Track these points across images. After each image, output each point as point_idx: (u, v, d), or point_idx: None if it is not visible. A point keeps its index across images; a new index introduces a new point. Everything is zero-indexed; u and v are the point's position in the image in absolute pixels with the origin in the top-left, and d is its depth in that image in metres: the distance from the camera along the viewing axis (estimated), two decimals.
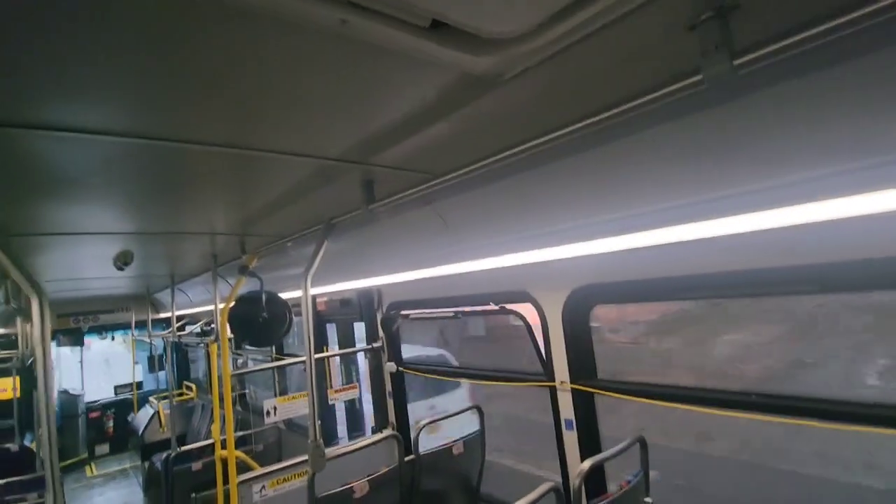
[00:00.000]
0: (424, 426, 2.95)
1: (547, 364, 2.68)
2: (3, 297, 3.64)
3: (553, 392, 2.65)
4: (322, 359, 4.71)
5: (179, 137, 1.39)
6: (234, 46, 0.90)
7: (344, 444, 3.68)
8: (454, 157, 1.61)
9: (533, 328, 2.80)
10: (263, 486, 2.98)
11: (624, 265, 2.26)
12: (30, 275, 2.11)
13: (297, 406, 3.36)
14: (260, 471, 3.04)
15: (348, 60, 0.98)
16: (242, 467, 3.49)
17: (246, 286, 3.43)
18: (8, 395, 6.02)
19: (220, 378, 3.41)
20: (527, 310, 2.84)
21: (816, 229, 1.36)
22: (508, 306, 2.98)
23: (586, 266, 2.42)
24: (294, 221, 2.67)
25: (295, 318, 3.60)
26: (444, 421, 3.17)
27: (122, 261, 3.85)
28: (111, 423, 8.89)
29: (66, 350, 9.18)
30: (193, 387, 7.73)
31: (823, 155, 1.15)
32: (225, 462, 3.17)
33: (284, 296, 3.60)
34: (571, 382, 2.56)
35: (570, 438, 2.60)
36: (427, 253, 2.82)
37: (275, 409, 3.09)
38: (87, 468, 8.24)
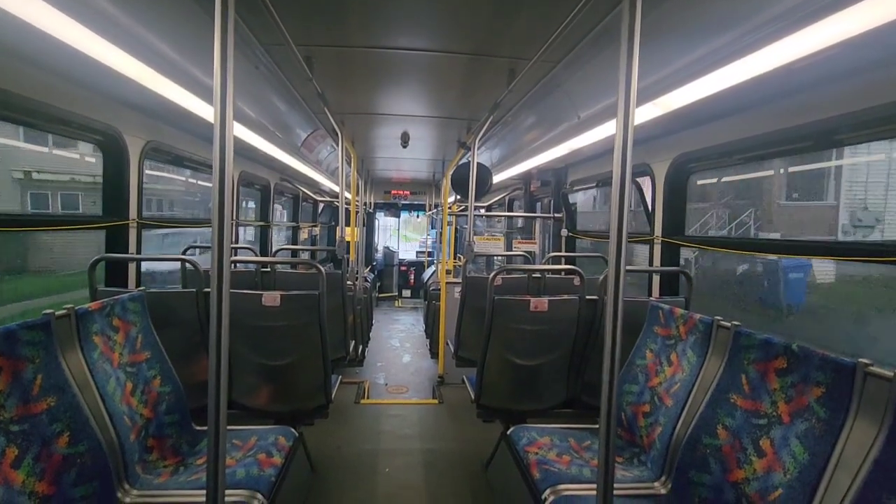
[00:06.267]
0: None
1: (650, 224, 3.23)
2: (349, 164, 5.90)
3: (651, 245, 3.21)
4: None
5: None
6: None
7: None
8: None
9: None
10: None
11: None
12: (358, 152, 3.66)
13: (489, 245, 4.80)
14: (452, 280, 4.70)
15: None
16: None
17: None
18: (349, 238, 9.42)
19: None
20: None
21: None
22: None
23: (689, 138, 2.85)
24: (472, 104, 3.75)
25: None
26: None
27: (404, 140, 5.83)
28: (412, 276, 12.48)
29: (389, 220, 13.11)
30: (462, 257, 10.21)
31: None
32: None
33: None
34: (663, 237, 3.09)
35: (656, 280, 3.18)
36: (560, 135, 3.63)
37: (474, 242, 4.51)
38: (396, 301, 12.02)
